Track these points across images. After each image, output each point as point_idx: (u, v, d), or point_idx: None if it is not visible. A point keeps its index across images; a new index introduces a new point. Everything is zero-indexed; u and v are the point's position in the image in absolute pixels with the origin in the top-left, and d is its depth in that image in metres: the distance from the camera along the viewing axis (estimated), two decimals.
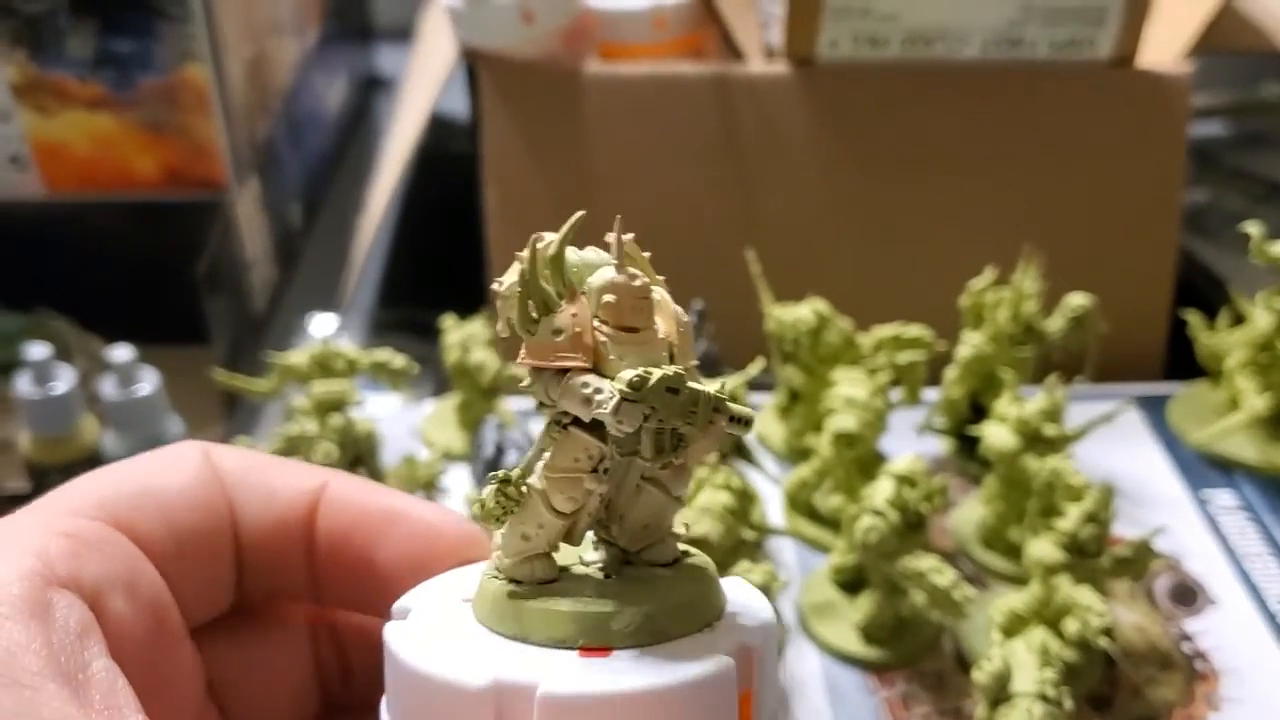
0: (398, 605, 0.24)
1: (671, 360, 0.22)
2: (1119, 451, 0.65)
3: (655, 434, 0.21)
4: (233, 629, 0.27)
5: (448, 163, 0.83)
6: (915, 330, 0.61)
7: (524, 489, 0.23)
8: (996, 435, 0.57)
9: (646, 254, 0.23)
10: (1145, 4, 0.68)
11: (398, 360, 0.60)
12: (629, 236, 0.23)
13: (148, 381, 0.62)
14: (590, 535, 0.24)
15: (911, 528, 0.52)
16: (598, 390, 0.21)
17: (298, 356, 0.58)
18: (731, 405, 0.22)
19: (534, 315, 0.22)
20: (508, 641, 0.22)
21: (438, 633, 0.23)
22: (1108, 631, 0.48)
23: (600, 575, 0.23)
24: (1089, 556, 0.51)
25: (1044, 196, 0.71)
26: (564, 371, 0.22)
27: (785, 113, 0.70)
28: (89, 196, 0.74)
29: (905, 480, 0.52)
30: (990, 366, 0.62)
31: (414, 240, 0.90)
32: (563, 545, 0.24)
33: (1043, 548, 0.51)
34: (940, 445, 0.65)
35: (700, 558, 0.24)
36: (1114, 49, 0.69)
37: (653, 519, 0.23)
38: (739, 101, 0.69)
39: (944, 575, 0.50)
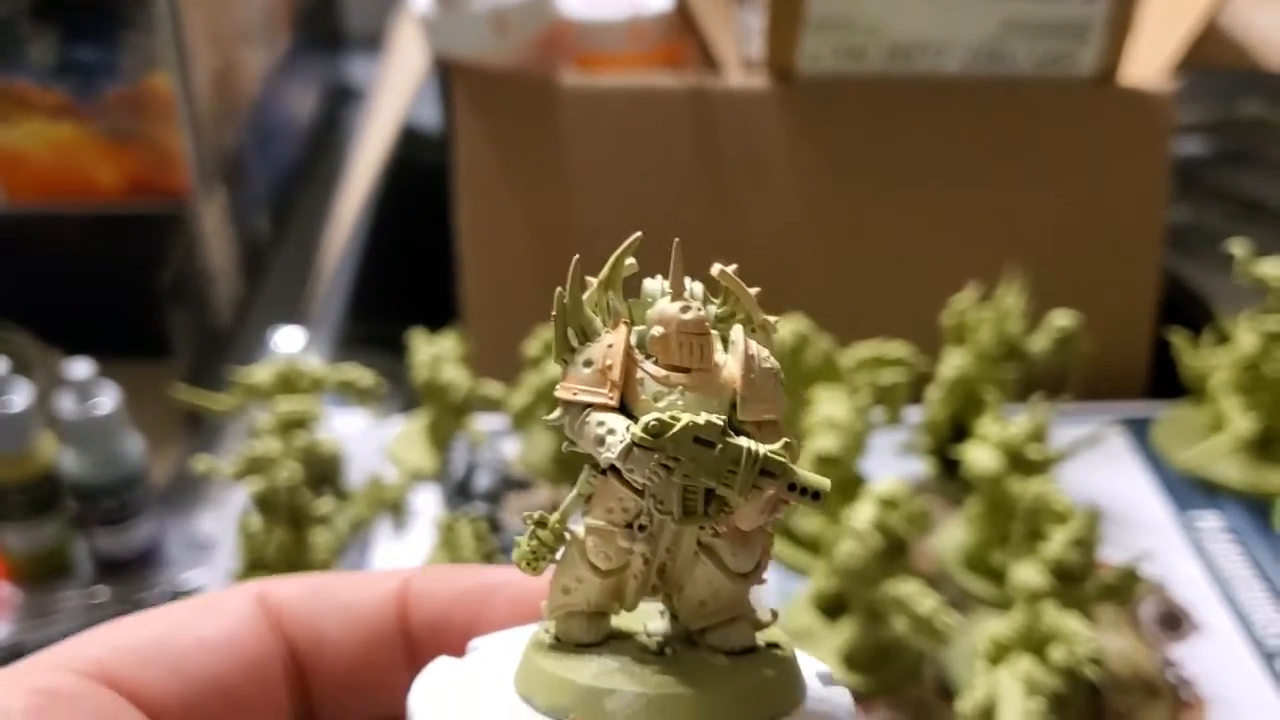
0: (472, 643, 0.22)
1: (734, 410, 0.20)
2: (1103, 473, 0.64)
3: (684, 491, 0.19)
4: None
5: (419, 174, 0.82)
6: (897, 349, 0.60)
7: (565, 535, 0.20)
8: (979, 457, 0.55)
9: (756, 289, 0.21)
10: (1128, 20, 0.67)
11: (365, 378, 0.58)
12: (732, 268, 0.20)
13: (107, 398, 0.60)
14: (660, 604, 0.21)
15: (893, 552, 0.50)
16: (611, 431, 0.19)
17: (261, 373, 0.57)
18: (794, 470, 0.19)
19: (572, 343, 0.20)
20: (519, 702, 0.20)
21: (464, 687, 0.21)
22: (1094, 659, 0.47)
23: (654, 649, 0.21)
24: (1075, 582, 0.50)
25: (1026, 212, 0.70)
26: (589, 407, 0.20)
27: (764, 126, 0.68)
28: (49, 207, 0.72)
29: (888, 503, 0.50)
30: (973, 386, 0.60)
31: (384, 253, 0.89)
32: (642, 607, 0.21)
33: (1028, 573, 0.50)
34: (921, 466, 0.64)
35: (783, 659, 0.21)
36: (1097, 65, 0.68)
37: (711, 597, 0.20)
38: (718, 114, 0.68)
39: (926, 602, 0.49)
